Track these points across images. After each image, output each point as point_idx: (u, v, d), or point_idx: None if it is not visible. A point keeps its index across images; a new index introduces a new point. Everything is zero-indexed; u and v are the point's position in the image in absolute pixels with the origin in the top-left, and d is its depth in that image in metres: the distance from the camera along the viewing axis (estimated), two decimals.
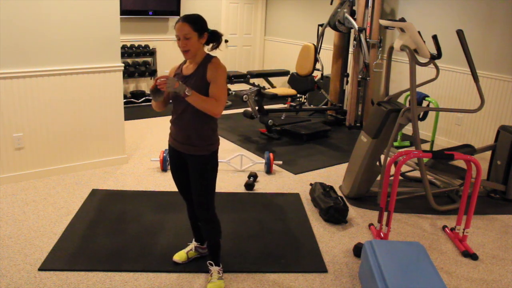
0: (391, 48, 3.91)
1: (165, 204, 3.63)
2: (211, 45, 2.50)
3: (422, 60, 5.38)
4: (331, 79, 6.35)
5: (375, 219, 3.57)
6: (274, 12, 8.13)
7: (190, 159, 2.52)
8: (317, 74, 6.47)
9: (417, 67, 5.58)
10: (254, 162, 4.48)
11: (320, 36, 6.14)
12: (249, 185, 4.00)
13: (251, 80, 5.77)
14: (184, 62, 2.60)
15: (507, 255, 3.16)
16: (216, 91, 2.40)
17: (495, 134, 4.35)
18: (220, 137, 5.41)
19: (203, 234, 2.67)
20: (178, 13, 7.06)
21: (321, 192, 3.66)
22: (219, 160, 4.47)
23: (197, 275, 2.76)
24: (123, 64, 4.24)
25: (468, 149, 3.86)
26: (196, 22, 2.38)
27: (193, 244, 2.91)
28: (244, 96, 5.25)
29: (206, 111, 2.38)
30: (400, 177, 4.39)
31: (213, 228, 2.60)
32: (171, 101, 2.60)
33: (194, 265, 2.84)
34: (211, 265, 2.68)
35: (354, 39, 5.85)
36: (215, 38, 2.48)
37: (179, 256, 2.87)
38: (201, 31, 2.40)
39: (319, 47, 6.01)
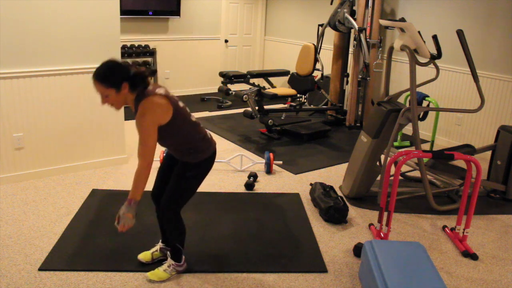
0: (391, 48, 3.91)
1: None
2: (138, 88, 2.28)
3: (422, 60, 5.38)
4: (331, 79, 6.35)
5: (375, 219, 3.58)
6: (274, 12, 8.13)
7: (180, 161, 2.54)
8: (317, 74, 6.47)
9: (417, 67, 5.58)
10: (254, 162, 4.48)
11: (320, 36, 6.14)
12: (249, 185, 4.00)
13: (251, 80, 5.77)
14: None
15: (507, 255, 3.16)
16: (139, 135, 2.25)
17: (495, 134, 4.35)
18: (220, 137, 5.44)
19: (166, 234, 2.65)
20: (178, 13, 7.06)
21: (321, 192, 3.66)
22: (219, 160, 4.50)
23: (196, 275, 2.76)
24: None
25: (468, 149, 3.86)
26: (107, 79, 2.17)
27: (159, 245, 2.88)
28: (244, 96, 5.25)
29: (144, 178, 2.26)
30: (400, 177, 4.39)
31: (173, 229, 2.57)
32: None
33: (193, 264, 2.84)
34: (169, 256, 2.69)
35: (354, 39, 5.85)
36: (139, 81, 2.25)
37: (144, 256, 2.84)
38: (116, 85, 2.19)
39: (319, 47, 6.01)
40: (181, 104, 2.43)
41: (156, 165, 4.45)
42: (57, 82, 3.90)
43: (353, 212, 3.70)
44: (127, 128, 5.60)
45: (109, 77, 2.17)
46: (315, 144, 5.38)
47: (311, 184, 3.96)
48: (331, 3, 6.09)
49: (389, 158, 3.66)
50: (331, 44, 6.54)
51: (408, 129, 6.02)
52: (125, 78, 2.21)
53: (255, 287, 2.67)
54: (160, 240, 2.89)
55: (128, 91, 2.24)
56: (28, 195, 3.69)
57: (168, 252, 2.74)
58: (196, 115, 6.36)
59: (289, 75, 6.07)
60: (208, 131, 2.62)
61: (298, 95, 5.82)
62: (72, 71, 3.95)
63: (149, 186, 3.97)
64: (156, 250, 2.87)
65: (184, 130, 2.41)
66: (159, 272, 2.68)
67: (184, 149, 2.46)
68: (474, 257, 3.08)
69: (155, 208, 2.75)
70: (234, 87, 7.77)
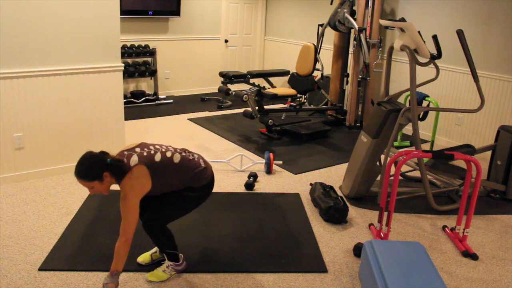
0: (391, 48, 3.91)
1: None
2: (116, 174, 2.34)
3: (422, 60, 5.38)
4: (331, 79, 6.35)
5: (375, 219, 3.58)
6: (274, 12, 8.13)
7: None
8: (317, 74, 6.48)
9: (417, 67, 5.58)
10: (254, 162, 4.48)
11: (320, 36, 6.14)
12: (249, 185, 4.00)
13: (251, 80, 5.77)
14: None
15: (507, 255, 3.16)
16: (122, 212, 2.32)
17: (495, 134, 4.35)
18: (220, 137, 5.44)
19: (155, 244, 2.66)
20: (178, 13, 7.06)
21: (321, 192, 3.66)
22: (219, 160, 4.50)
23: (196, 275, 2.76)
24: (123, 64, 4.24)
25: (468, 149, 3.86)
26: (89, 175, 2.26)
27: (157, 247, 2.89)
28: (244, 96, 5.25)
29: (125, 253, 2.35)
30: (400, 177, 4.39)
31: (158, 239, 2.58)
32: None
33: (193, 264, 2.84)
34: (166, 258, 2.71)
35: (354, 39, 5.85)
36: (116, 169, 2.32)
37: (143, 258, 2.84)
38: (98, 177, 2.28)
39: (319, 47, 6.01)
40: (157, 157, 2.42)
41: None
42: (57, 82, 3.90)
43: (353, 212, 3.70)
44: (127, 128, 5.60)
45: (90, 172, 2.27)
46: (315, 144, 5.38)
47: (311, 184, 3.96)
48: (331, 3, 6.09)
49: (389, 158, 3.66)
50: (331, 44, 6.54)
51: (408, 129, 6.02)
52: (104, 169, 2.29)
53: (255, 287, 2.67)
54: None
55: (110, 178, 2.33)
56: (28, 195, 3.69)
57: (164, 255, 2.74)
58: (196, 115, 6.37)
59: (289, 75, 6.07)
60: (200, 156, 2.63)
61: (298, 95, 5.82)
62: (72, 71, 3.95)
63: None
64: (155, 252, 2.88)
65: (172, 179, 2.47)
66: (158, 273, 2.68)
67: (181, 190, 2.53)
68: (474, 257, 3.08)
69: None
70: (234, 87, 7.77)
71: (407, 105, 4.83)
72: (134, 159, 2.38)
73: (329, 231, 3.37)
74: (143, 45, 6.90)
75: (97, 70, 4.07)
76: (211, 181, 2.59)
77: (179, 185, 2.50)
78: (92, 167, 2.28)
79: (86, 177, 2.27)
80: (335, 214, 3.43)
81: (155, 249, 2.89)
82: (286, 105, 6.65)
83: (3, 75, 3.63)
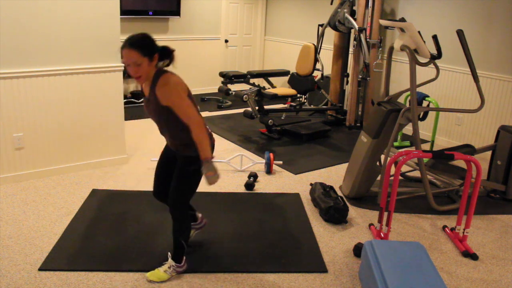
0: (391, 48, 3.91)
1: (165, 204, 3.63)
2: (163, 62, 2.37)
3: (422, 60, 5.38)
4: (331, 79, 6.34)
5: (375, 219, 3.58)
6: (274, 12, 8.13)
7: (179, 156, 2.57)
8: (317, 74, 6.47)
9: (417, 67, 5.58)
10: (254, 162, 4.48)
11: (320, 36, 6.14)
12: (249, 185, 4.00)
13: (251, 80, 5.77)
14: None
15: (507, 255, 3.16)
16: (180, 113, 2.32)
17: (495, 134, 4.35)
18: (220, 137, 5.44)
19: (172, 231, 2.68)
20: (178, 13, 7.06)
21: (321, 192, 3.66)
22: (219, 160, 4.50)
23: (197, 275, 2.76)
24: (123, 64, 4.24)
25: (468, 149, 3.86)
26: (144, 46, 2.23)
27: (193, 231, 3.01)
28: (244, 96, 5.25)
29: (205, 138, 2.34)
30: (400, 177, 4.39)
31: (179, 227, 2.62)
32: None
33: (193, 265, 2.84)
34: (169, 256, 2.73)
35: (354, 39, 5.85)
36: (166, 55, 2.35)
37: None
38: (151, 54, 2.26)
39: (319, 47, 6.01)
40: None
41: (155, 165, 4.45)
42: (57, 82, 3.90)
43: (353, 212, 3.70)
44: (127, 128, 5.60)
45: (145, 45, 2.22)
46: (315, 144, 5.38)
47: (311, 184, 3.96)
48: (331, 3, 6.09)
49: (389, 158, 3.66)
50: (331, 44, 6.54)
51: (408, 129, 6.02)
52: (156, 49, 2.27)
53: (255, 287, 2.67)
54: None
55: (156, 62, 2.30)
56: (28, 195, 3.69)
57: (169, 253, 2.76)
58: None
59: (289, 75, 6.07)
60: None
61: (298, 95, 5.82)
62: (72, 71, 3.95)
63: (148, 187, 3.97)
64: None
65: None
66: (159, 273, 2.68)
67: (186, 138, 2.43)
68: (474, 257, 3.08)
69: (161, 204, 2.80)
70: (234, 87, 7.77)
71: (407, 105, 4.83)
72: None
73: (329, 231, 3.37)
74: None
75: (97, 70, 4.07)
76: (212, 148, 2.54)
77: (186, 129, 2.41)
78: (149, 42, 2.25)
79: (141, 49, 2.20)
80: (335, 214, 3.43)
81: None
82: (286, 105, 6.65)
83: (3, 75, 3.63)
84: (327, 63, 6.90)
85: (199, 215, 3.04)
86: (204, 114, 6.48)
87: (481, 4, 5.01)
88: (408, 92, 5.12)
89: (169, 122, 2.41)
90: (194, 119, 2.32)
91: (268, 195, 3.90)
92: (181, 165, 2.53)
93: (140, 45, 2.21)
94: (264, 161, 4.48)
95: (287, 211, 3.63)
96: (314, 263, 2.93)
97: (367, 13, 5.78)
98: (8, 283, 2.58)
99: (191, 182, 2.55)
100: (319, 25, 6.21)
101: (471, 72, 3.53)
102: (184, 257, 2.75)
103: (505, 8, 4.82)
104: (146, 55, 2.23)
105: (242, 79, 5.62)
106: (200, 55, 7.68)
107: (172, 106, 2.30)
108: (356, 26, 5.60)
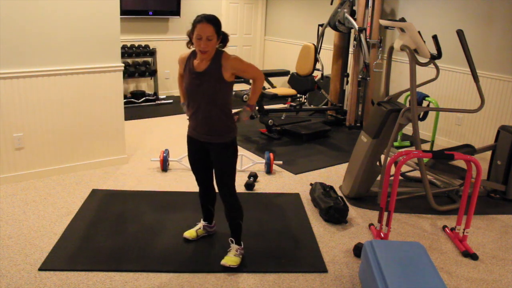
0: (391, 48, 3.91)
1: (165, 204, 3.63)
2: (220, 44, 2.65)
3: (422, 60, 5.38)
4: (331, 79, 6.34)
5: (375, 219, 3.57)
6: (274, 12, 8.13)
7: (212, 147, 2.71)
8: (317, 74, 6.47)
9: (417, 67, 5.58)
10: (254, 162, 4.48)
11: (320, 36, 6.14)
12: (249, 185, 3.99)
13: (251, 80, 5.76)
14: (193, 56, 2.66)
15: (507, 255, 3.16)
16: (249, 71, 2.63)
17: (495, 134, 4.35)
18: None
19: (226, 216, 2.85)
20: (178, 13, 7.06)
21: (321, 192, 3.66)
22: None
23: (197, 275, 2.76)
24: (123, 64, 4.24)
25: (468, 149, 3.86)
26: (218, 24, 2.51)
27: (201, 223, 3.16)
28: (244, 96, 5.25)
29: (259, 92, 2.73)
30: (400, 177, 4.39)
31: (236, 211, 2.82)
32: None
33: (193, 264, 2.84)
34: (232, 242, 2.91)
35: (354, 39, 5.85)
36: (224, 38, 2.63)
37: (190, 234, 3.12)
38: (219, 32, 2.54)
39: (319, 47, 6.01)
40: None
41: (156, 165, 4.45)
42: (57, 82, 3.90)
43: (353, 212, 3.70)
44: (127, 128, 5.60)
45: (219, 24, 2.52)
46: (315, 144, 5.38)
47: (311, 184, 3.96)
48: (331, 3, 6.09)
49: (389, 158, 3.66)
50: (331, 44, 6.54)
51: (408, 129, 6.02)
52: (221, 32, 2.58)
53: (255, 287, 2.67)
54: (202, 219, 3.16)
55: (219, 42, 2.60)
56: (28, 195, 3.69)
57: (230, 238, 2.91)
58: None
59: (289, 75, 6.07)
60: None
61: (298, 95, 5.82)
62: (72, 71, 3.95)
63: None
64: (200, 228, 3.15)
65: (231, 97, 2.70)
66: (232, 258, 2.84)
67: (225, 123, 2.66)
68: (474, 257, 3.08)
69: (199, 190, 3.02)
70: (234, 87, 7.76)
71: (407, 105, 4.83)
72: None
73: (329, 231, 3.37)
74: (143, 45, 6.90)
75: (97, 70, 4.07)
76: (235, 137, 2.77)
77: (229, 110, 2.69)
78: (220, 24, 2.54)
79: (216, 26, 2.48)
80: (335, 214, 3.43)
81: (200, 225, 3.16)
82: (286, 105, 6.64)
83: (3, 75, 3.63)
84: (327, 63, 6.90)
85: (214, 221, 3.21)
86: None
87: (481, 4, 5.01)
88: (408, 92, 5.12)
89: (221, 99, 2.61)
90: (260, 72, 2.68)
91: (268, 195, 3.90)
92: (218, 155, 2.70)
93: (216, 23, 2.50)
94: (264, 161, 4.48)
95: (287, 211, 3.63)
96: (314, 263, 2.93)
97: (367, 13, 5.78)
98: (8, 283, 2.58)
99: (233, 165, 2.74)
100: (319, 25, 6.21)
101: (471, 72, 3.53)
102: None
103: (505, 8, 4.82)
104: (217, 33, 2.51)
105: (242, 79, 5.62)
106: None
107: (241, 69, 2.60)
108: (356, 26, 5.60)
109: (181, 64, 2.73)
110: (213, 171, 2.80)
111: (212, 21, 2.48)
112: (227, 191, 2.76)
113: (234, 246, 2.89)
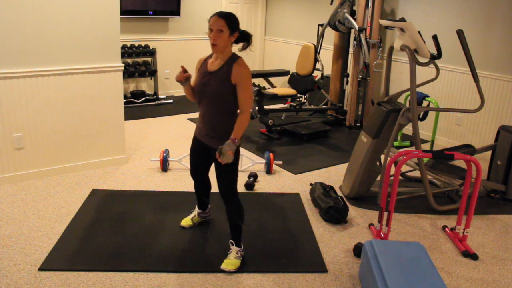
0: (391, 48, 3.91)
1: (165, 204, 3.63)
2: (241, 44, 2.66)
3: (422, 60, 5.38)
4: (331, 79, 6.34)
5: (375, 219, 3.57)
6: (274, 12, 8.13)
7: (213, 151, 2.74)
8: (317, 74, 6.47)
9: (417, 67, 5.58)
10: (254, 162, 4.48)
11: (320, 36, 6.14)
12: (249, 185, 4.00)
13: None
14: (210, 57, 2.72)
15: (507, 255, 3.16)
16: (243, 97, 2.58)
17: (495, 134, 4.35)
18: None
19: (227, 217, 2.84)
20: (178, 13, 7.06)
21: (321, 192, 3.66)
22: None
23: (197, 275, 2.76)
24: (123, 64, 4.24)
25: (468, 149, 3.86)
26: (231, 19, 2.53)
27: (196, 211, 3.28)
28: None
29: (245, 126, 2.60)
30: (400, 177, 4.39)
31: (238, 214, 2.82)
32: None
33: (193, 264, 2.84)
34: (232, 244, 2.90)
35: (354, 39, 5.85)
36: (245, 38, 2.64)
37: (186, 222, 3.25)
38: (233, 28, 2.54)
39: (319, 47, 6.01)
40: None
41: (156, 165, 4.45)
42: (57, 82, 3.90)
43: (353, 212, 3.70)
44: (127, 128, 5.60)
45: (232, 19, 2.54)
46: (315, 144, 5.38)
47: (311, 184, 3.96)
48: (331, 3, 6.09)
49: (389, 158, 3.66)
50: (331, 44, 6.54)
51: (408, 129, 6.02)
52: (238, 28, 2.58)
53: (255, 287, 2.67)
54: (196, 206, 3.28)
55: (233, 41, 2.60)
56: (28, 195, 3.69)
57: (230, 241, 2.90)
58: (196, 115, 6.37)
59: (289, 75, 6.07)
60: None
61: (298, 95, 5.82)
62: (72, 71, 3.95)
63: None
64: (195, 215, 3.27)
65: (236, 103, 2.65)
66: (232, 260, 2.84)
67: (228, 126, 2.64)
68: (474, 257, 3.08)
69: (194, 183, 3.10)
70: None
71: (407, 105, 4.83)
72: None
73: (329, 231, 3.37)
74: (143, 45, 6.90)
75: (97, 70, 4.07)
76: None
77: (234, 115, 2.67)
78: (235, 19, 2.56)
79: (227, 19, 2.51)
80: (335, 214, 3.43)
81: (194, 213, 3.27)
82: (286, 105, 6.65)
83: (3, 75, 3.63)
84: (327, 63, 6.90)
85: (209, 206, 3.32)
86: None
87: (481, 4, 5.01)
88: (408, 92, 5.12)
89: (224, 101, 2.61)
90: (250, 104, 2.61)
91: (268, 195, 3.90)
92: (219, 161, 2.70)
93: (228, 16, 2.53)
94: (264, 161, 4.48)
95: (287, 211, 3.63)
96: (314, 263, 2.93)
97: (367, 13, 5.78)
98: (8, 283, 2.58)
99: (235, 171, 2.73)
100: (319, 25, 6.21)
101: (471, 72, 3.53)
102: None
103: (505, 8, 4.82)
104: (229, 27, 2.52)
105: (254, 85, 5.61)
106: (200, 55, 7.67)
107: (241, 86, 2.56)
108: (356, 26, 5.60)
109: (198, 66, 2.77)
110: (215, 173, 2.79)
111: (224, 15, 2.52)
112: (229, 195, 2.76)
113: (234, 249, 2.89)
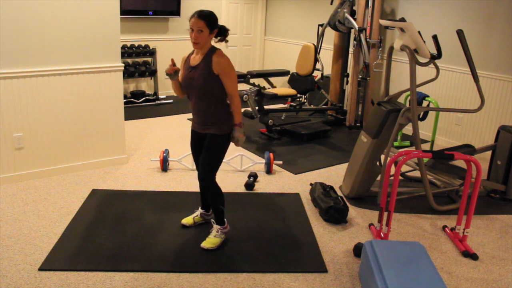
0: (391, 48, 3.91)
1: (165, 204, 3.63)
2: (218, 38, 2.86)
3: (422, 60, 5.38)
4: (331, 79, 6.34)
5: (375, 219, 3.58)
6: (274, 12, 8.13)
7: (208, 135, 2.91)
8: (317, 74, 6.47)
9: (417, 67, 5.58)
10: (254, 162, 4.48)
11: (320, 36, 6.14)
12: (249, 185, 4.00)
13: (251, 80, 5.77)
14: (192, 53, 2.89)
15: (507, 255, 3.16)
16: (228, 83, 2.78)
17: (495, 134, 4.35)
18: None
19: (210, 201, 3.00)
20: (178, 13, 7.06)
21: (321, 192, 3.66)
22: None
23: (197, 275, 2.76)
24: (123, 64, 4.24)
25: (468, 149, 3.86)
26: (210, 20, 2.71)
27: (199, 211, 3.33)
28: (244, 96, 5.25)
29: (240, 109, 2.85)
30: (400, 177, 4.39)
31: (216, 196, 2.96)
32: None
33: (193, 264, 2.84)
34: (214, 223, 3.08)
35: (354, 39, 5.85)
36: (222, 32, 2.85)
37: (187, 220, 3.30)
38: (212, 27, 2.74)
39: (319, 47, 6.01)
40: None
41: (156, 165, 4.45)
42: (57, 82, 3.90)
43: (353, 212, 3.70)
44: (127, 128, 5.60)
45: (211, 19, 2.72)
46: (315, 144, 5.38)
47: (311, 184, 3.96)
48: (331, 3, 6.09)
49: (389, 158, 3.66)
50: (331, 44, 6.54)
51: (408, 129, 6.02)
52: (217, 26, 2.78)
53: (255, 287, 2.67)
54: (200, 207, 3.33)
55: (213, 37, 2.79)
56: (28, 195, 3.69)
57: (212, 220, 3.10)
58: None
59: (289, 75, 6.07)
60: None
61: (298, 95, 5.82)
62: (72, 71, 3.95)
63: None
64: (197, 215, 3.32)
65: (224, 91, 2.83)
66: (212, 239, 3.02)
67: (219, 115, 2.84)
68: (474, 257, 3.08)
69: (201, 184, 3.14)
70: None
71: (407, 105, 4.83)
72: None
73: (329, 231, 3.37)
74: (143, 45, 6.90)
75: (97, 70, 4.07)
76: (229, 133, 2.93)
77: (224, 105, 2.86)
78: (214, 18, 2.74)
79: (206, 19, 2.69)
80: (335, 214, 3.43)
81: (197, 213, 3.32)
82: (286, 105, 6.65)
83: (3, 75, 3.63)
84: (327, 63, 6.90)
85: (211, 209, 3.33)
86: None
87: (481, 4, 5.01)
88: (408, 92, 5.12)
89: (211, 92, 2.78)
90: (236, 87, 2.82)
91: (268, 195, 3.90)
92: (209, 140, 2.88)
93: (207, 18, 2.70)
94: (264, 161, 4.48)
95: (287, 211, 3.63)
96: (314, 263, 2.93)
97: (367, 13, 5.78)
98: (8, 283, 2.58)
99: (218, 154, 2.90)
100: (319, 25, 6.21)
101: (471, 72, 3.53)
102: (225, 219, 3.09)
103: (505, 8, 4.82)
104: (209, 27, 2.71)
105: (242, 79, 5.62)
106: None
107: (224, 74, 2.75)
108: (356, 26, 5.60)
109: (182, 63, 2.93)
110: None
111: (204, 16, 2.69)
112: (204, 174, 2.90)
113: (215, 227, 3.06)
